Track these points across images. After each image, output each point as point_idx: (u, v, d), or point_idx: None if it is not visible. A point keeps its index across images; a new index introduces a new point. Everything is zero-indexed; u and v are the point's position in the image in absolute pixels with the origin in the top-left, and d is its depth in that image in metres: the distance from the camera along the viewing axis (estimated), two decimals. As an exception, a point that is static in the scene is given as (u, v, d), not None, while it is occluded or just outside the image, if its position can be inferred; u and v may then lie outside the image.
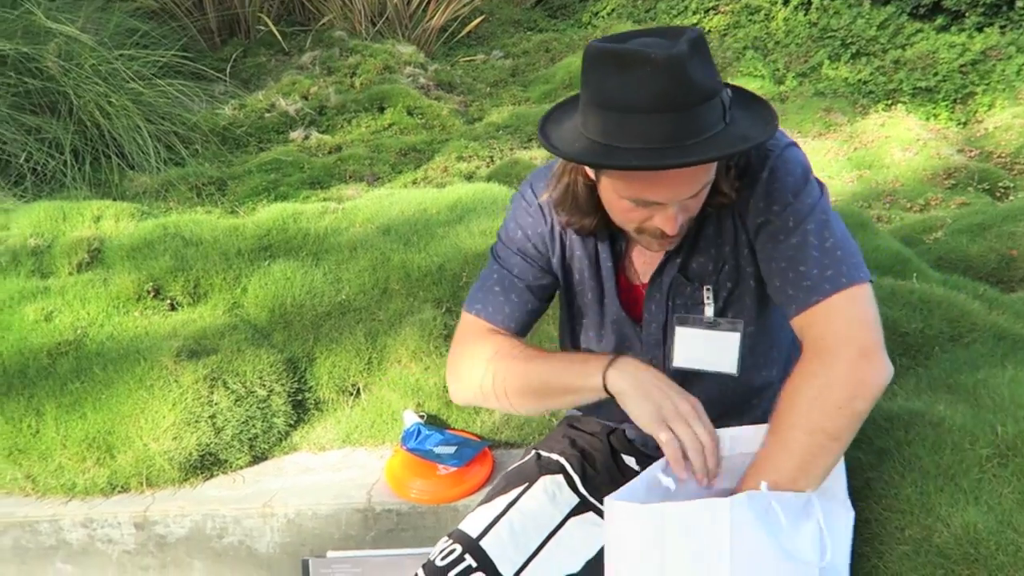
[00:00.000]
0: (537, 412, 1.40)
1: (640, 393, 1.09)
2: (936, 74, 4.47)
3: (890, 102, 4.44)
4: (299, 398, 2.05)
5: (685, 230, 1.12)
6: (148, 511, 1.82)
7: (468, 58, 5.64)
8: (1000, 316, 1.80)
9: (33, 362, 2.01)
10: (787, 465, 1.02)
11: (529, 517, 1.27)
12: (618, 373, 1.12)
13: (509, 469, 1.40)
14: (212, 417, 1.88)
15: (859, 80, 4.62)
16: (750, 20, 5.56)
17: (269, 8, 5.53)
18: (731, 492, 1.05)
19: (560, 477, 1.34)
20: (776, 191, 1.10)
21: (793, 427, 1.03)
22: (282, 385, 2.00)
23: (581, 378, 1.15)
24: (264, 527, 1.81)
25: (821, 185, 1.14)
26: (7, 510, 1.86)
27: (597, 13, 6.26)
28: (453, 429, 1.93)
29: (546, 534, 1.26)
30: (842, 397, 1.01)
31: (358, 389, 2.07)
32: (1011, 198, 3.28)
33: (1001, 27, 4.79)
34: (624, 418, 1.35)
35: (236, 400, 1.92)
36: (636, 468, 1.36)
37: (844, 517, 1.09)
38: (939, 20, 4.99)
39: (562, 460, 1.36)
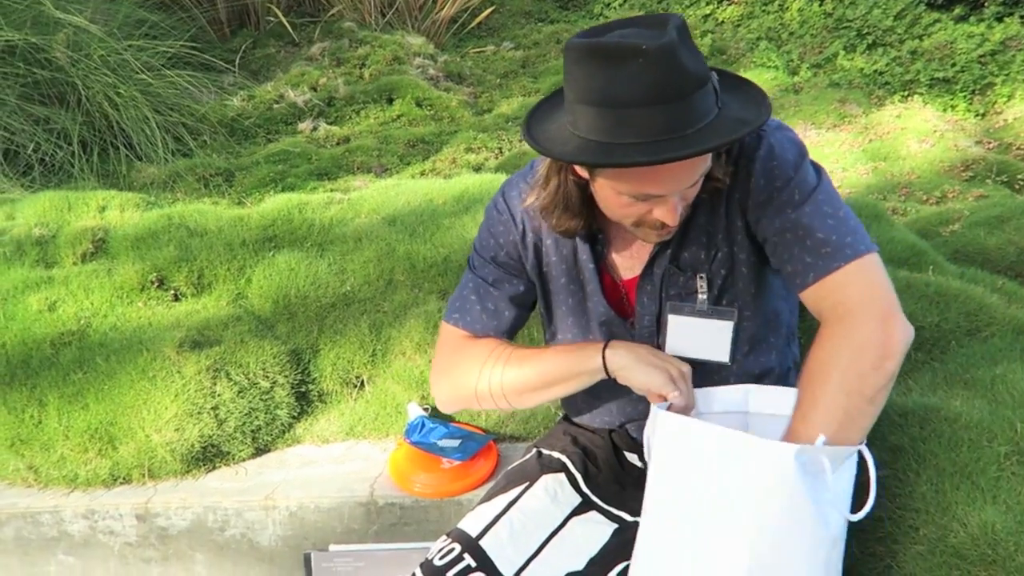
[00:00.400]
0: (533, 406, 1.40)
1: (643, 363, 1.14)
2: (954, 65, 4.39)
3: (907, 93, 4.37)
4: (302, 390, 2.03)
5: (683, 218, 1.11)
6: (150, 503, 1.81)
7: (478, 49, 5.60)
8: (1019, 310, 1.74)
9: (36, 352, 2.00)
10: (826, 429, 1.00)
11: (530, 516, 1.25)
12: (616, 352, 1.16)
13: (510, 467, 1.38)
14: (215, 409, 1.87)
15: (875, 71, 4.54)
16: (764, 10, 5.49)
17: (279, -1, 5.52)
18: None
19: (562, 475, 1.31)
20: (776, 168, 1.09)
21: (829, 391, 1.01)
22: (285, 377, 1.98)
23: (580, 364, 1.18)
24: (266, 520, 1.79)
25: (816, 164, 1.14)
26: (9, 501, 1.86)
27: (609, 4, 6.19)
28: (457, 422, 1.91)
29: (547, 534, 1.24)
30: (874, 358, 1.00)
31: (362, 381, 2.05)
32: (1030, 190, 3.21)
33: (1021, 17, 4.69)
34: (625, 419, 1.33)
35: (239, 392, 1.91)
36: (639, 465, 1.33)
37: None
38: (957, 10, 4.90)
39: (564, 458, 1.34)
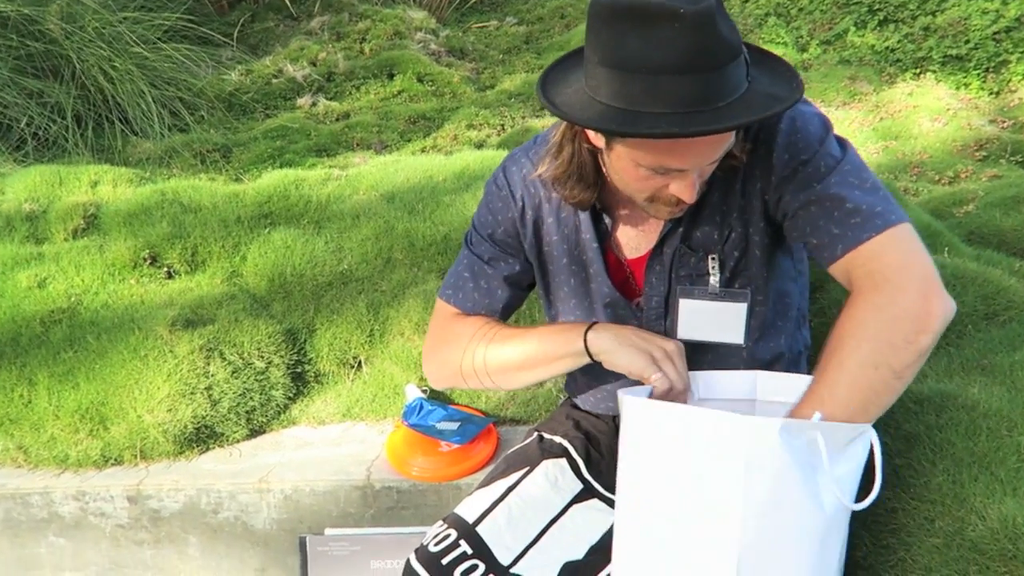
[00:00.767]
0: (519, 387, 1.36)
1: (625, 345, 1.10)
2: (968, 42, 4.28)
3: (919, 71, 4.27)
4: (298, 370, 1.98)
5: (699, 196, 1.05)
6: (142, 484, 1.77)
7: (481, 24, 5.50)
8: (1038, 294, 1.69)
9: (25, 330, 1.96)
10: (849, 401, 0.94)
11: (529, 503, 1.21)
12: (597, 335, 1.12)
13: (510, 451, 1.34)
14: (208, 389, 1.82)
15: (886, 48, 4.44)
16: (773, -15, 5.36)
17: (278, -29, 5.40)
18: None
19: (563, 461, 1.27)
20: (800, 142, 1.04)
21: (857, 361, 0.94)
22: (281, 357, 1.94)
23: (562, 346, 1.14)
24: (260, 503, 1.75)
25: (841, 138, 1.08)
26: (-1, 481, 1.82)
27: (615, -22, 6.07)
28: (457, 405, 1.86)
29: (547, 521, 1.20)
30: (910, 330, 0.93)
31: (359, 362, 2.00)
32: (1045, 171, 3.13)
33: (1037, -7, 4.58)
34: None
35: (233, 372, 1.86)
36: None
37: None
38: (972, -15, 4.77)
39: (565, 443, 1.30)
